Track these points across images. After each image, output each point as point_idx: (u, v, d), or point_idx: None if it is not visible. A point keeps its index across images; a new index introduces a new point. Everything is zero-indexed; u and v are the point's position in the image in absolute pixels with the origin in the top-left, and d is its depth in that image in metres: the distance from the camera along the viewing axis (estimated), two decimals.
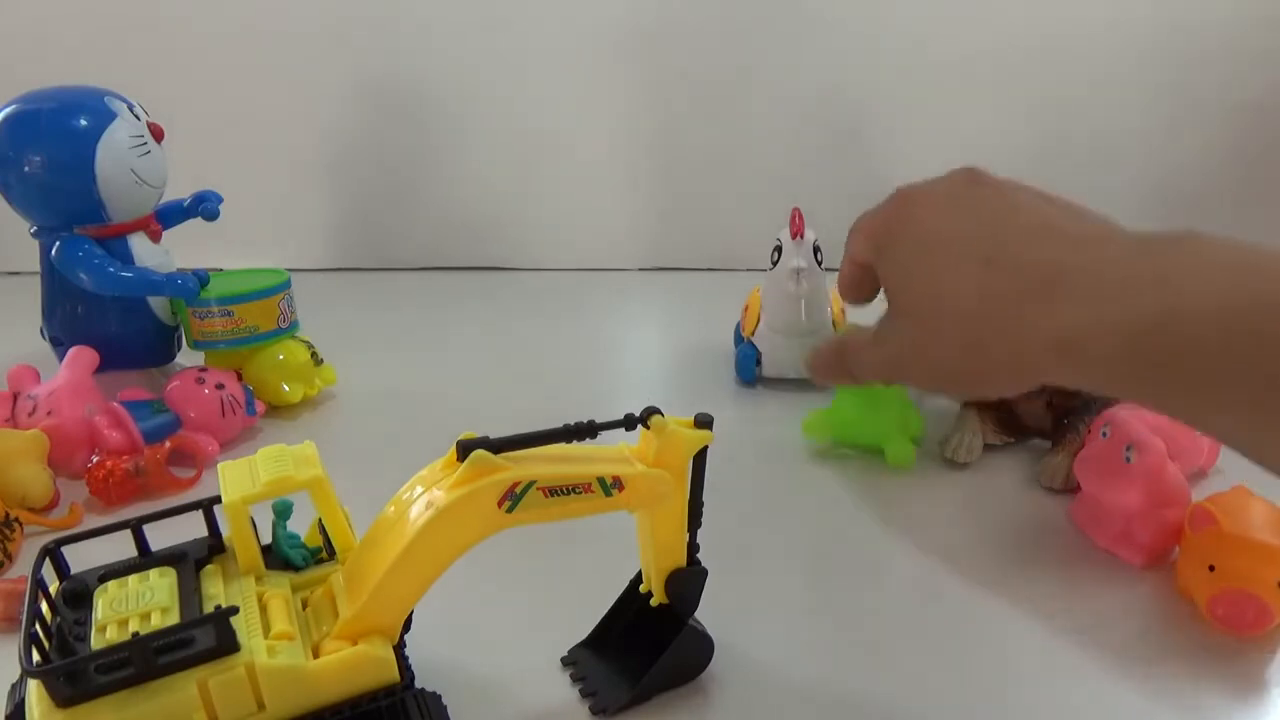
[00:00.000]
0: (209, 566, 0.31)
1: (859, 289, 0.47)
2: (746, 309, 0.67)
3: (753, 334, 0.65)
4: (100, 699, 0.25)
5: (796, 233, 0.60)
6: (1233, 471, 0.51)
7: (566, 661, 0.36)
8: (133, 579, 0.29)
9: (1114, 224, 0.35)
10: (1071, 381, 0.33)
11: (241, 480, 0.31)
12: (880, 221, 0.42)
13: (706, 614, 0.35)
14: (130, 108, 0.56)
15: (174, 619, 0.27)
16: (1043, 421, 0.54)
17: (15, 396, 0.54)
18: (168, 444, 0.51)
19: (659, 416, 0.31)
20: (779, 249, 0.61)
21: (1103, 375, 0.31)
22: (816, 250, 0.61)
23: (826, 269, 0.59)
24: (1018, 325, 0.33)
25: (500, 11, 0.86)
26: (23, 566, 0.44)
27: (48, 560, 0.30)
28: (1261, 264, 0.28)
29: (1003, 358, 0.34)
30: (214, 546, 0.32)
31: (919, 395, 0.59)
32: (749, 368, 0.64)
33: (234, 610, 0.27)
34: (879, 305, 0.44)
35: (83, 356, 0.54)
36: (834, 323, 0.64)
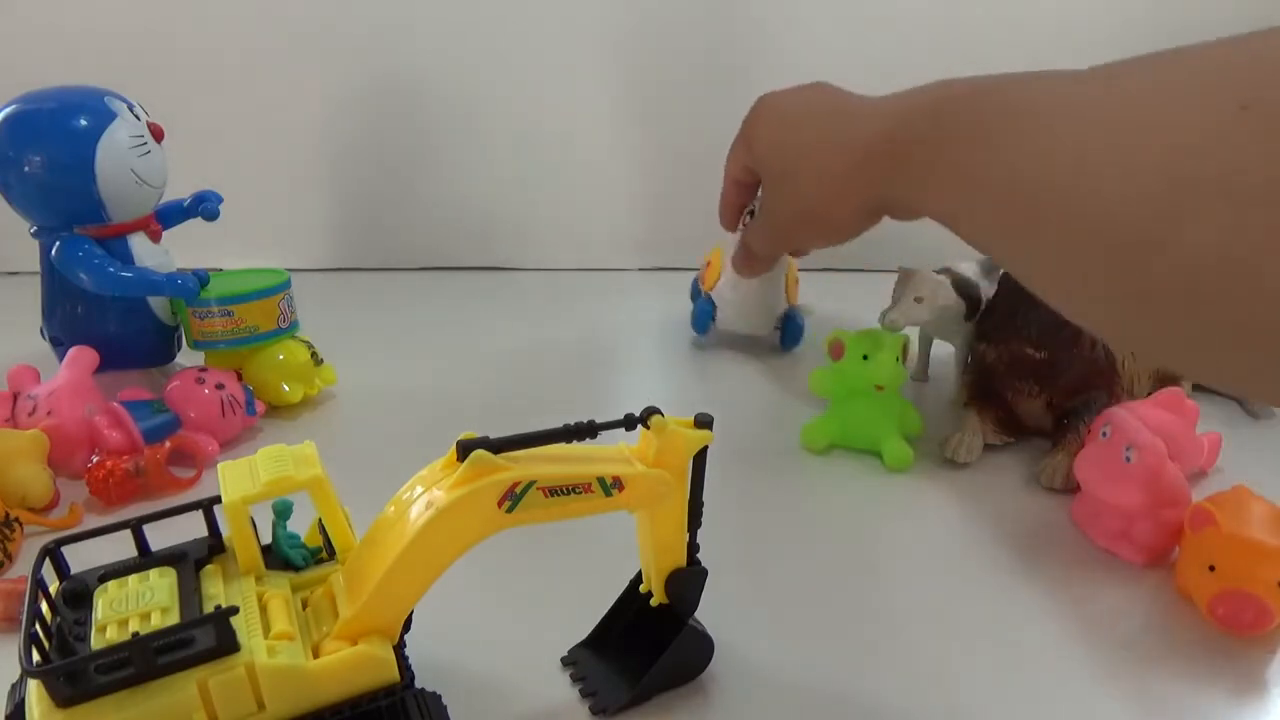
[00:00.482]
0: (209, 566, 0.31)
1: (733, 211, 0.59)
2: (708, 265, 0.72)
3: (712, 289, 0.71)
4: (100, 699, 0.25)
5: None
6: (1233, 471, 0.51)
7: (566, 661, 0.36)
8: (133, 579, 0.29)
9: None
10: (873, 187, 0.40)
11: (241, 480, 0.31)
12: (748, 124, 0.52)
13: (706, 614, 0.35)
14: (130, 108, 0.56)
15: (174, 619, 0.27)
16: (1043, 421, 0.54)
17: (15, 396, 0.54)
18: (168, 444, 0.51)
19: (659, 416, 0.31)
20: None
21: (880, 176, 0.39)
22: None
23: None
24: (833, 144, 0.43)
25: (500, 12, 0.86)
26: (23, 566, 0.44)
27: (48, 560, 0.30)
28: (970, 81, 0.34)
29: (830, 175, 0.43)
30: (214, 546, 0.32)
31: (914, 393, 0.59)
32: (704, 321, 0.71)
33: (234, 610, 0.27)
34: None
35: (83, 356, 0.54)
36: (787, 294, 0.69)
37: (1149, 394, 0.51)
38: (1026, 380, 0.53)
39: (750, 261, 0.57)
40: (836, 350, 0.54)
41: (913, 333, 0.58)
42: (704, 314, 0.71)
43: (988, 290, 0.59)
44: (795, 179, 0.46)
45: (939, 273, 0.57)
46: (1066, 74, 0.29)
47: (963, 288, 0.57)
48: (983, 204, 0.31)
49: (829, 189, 0.43)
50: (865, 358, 0.53)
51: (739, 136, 0.53)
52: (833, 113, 0.45)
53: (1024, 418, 0.55)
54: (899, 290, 0.57)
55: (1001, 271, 0.58)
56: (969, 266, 0.59)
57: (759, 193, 0.55)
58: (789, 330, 0.70)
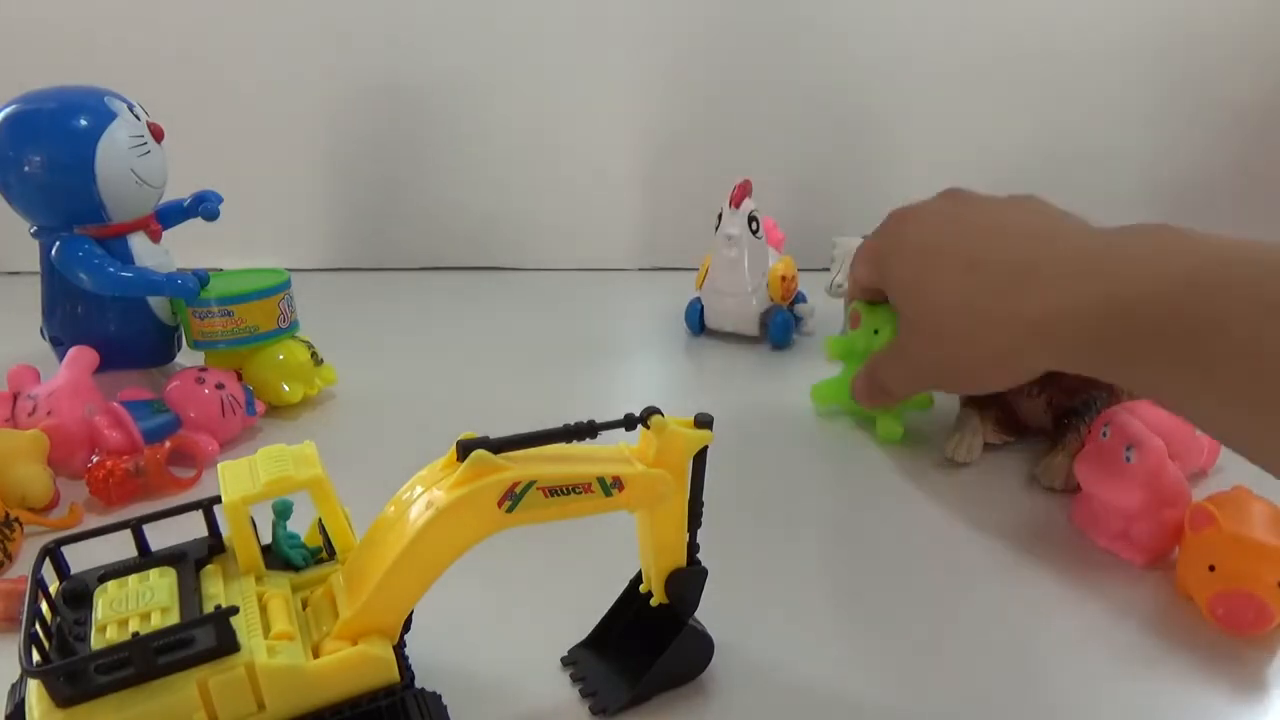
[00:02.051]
0: (209, 566, 0.31)
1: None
2: (703, 267, 0.74)
3: (700, 289, 0.73)
4: (100, 699, 0.25)
5: (732, 201, 0.67)
6: (1233, 471, 0.51)
7: (566, 661, 0.36)
8: (133, 579, 0.29)
9: (1083, 221, 0.38)
10: (1051, 363, 0.35)
11: (241, 480, 0.31)
12: (878, 244, 0.45)
13: (706, 614, 0.35)
14: (130, 108, 0.56)
15: (174, 619, 0.27)
16: (1043, 421, 0.54)
17: (15, 396, 0.54)
18: (168, 444, 0.51)
19: (659, 416, 0.31)
20: (721, 215, 0.68)
21: (1071, 353, 0.34)
22: (752, 220, 0.68)
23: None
24: (1001, 314, 0.37)
25: (500, 13, 0.86)
26: (23, 566, 0.44)
27: (48, 560, 0.30)
28: (1199, 248, 0.30)
29: (991, 345, 0.38)
30: (214, 546, 0.32)
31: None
32: (695, 319, 0.73)
33: (234, 610, 0.27)
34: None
35: (83, 356, 0.54)
36: (771, 288, 0.70)
37: None
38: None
39: (879, 396, 0.52)
40: (855, 320, 0.56)
41: None
42: (694, 312, 0.73)
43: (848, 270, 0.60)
44: (941, 337, 0.41)
45: None
46: None
47: None
48: (1221, 391, 0.30)
49: (984, 358, 0.39)
50: (876, 333, 0.55)
51: (867, 250, 0.48)
52: (988, 263, 0.38)
53: (1024, 417, 0.55)
54: (841, 258, 0.61)
55: None
56: None
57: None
58: (774, 329, 0.70)
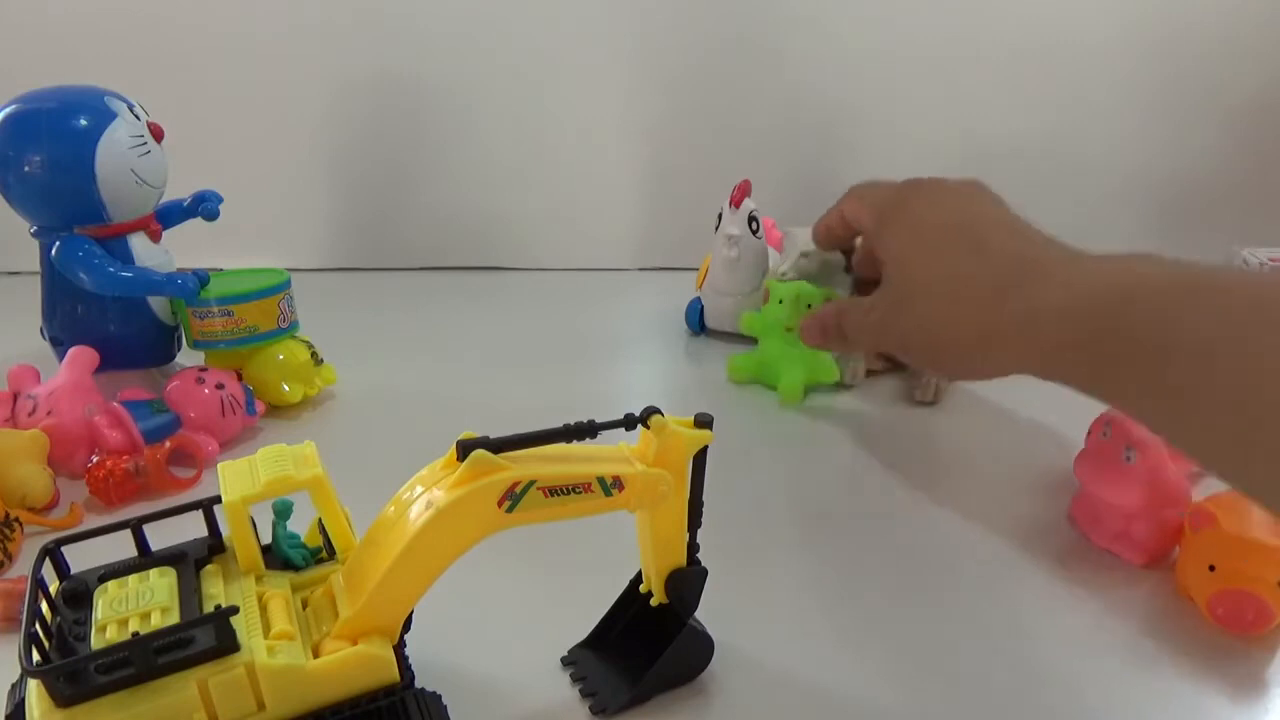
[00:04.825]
0: (209, 566, 0.31)
1: (833, 240, 0.55)
2: (703, 267, 0.75)
3: (700, 288, 0.74)
4: (100, 699, 0.25)
5: (733, 201, 0.68)
6: None
7: (566, 661, 0.36)
8: (133, 579, 0.29)
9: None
10: (1026, 359, 0.35)
11: (241, 480, 0.31)
12: (888, 199, 0.46)
13: (706, 614, 0.35)
14: (130, 108, 0.56)
15: (174, 619, 0.27)
16: None
17: (15, 396, 0.54)
18: (168, 444, 0.51)
19: (659, 416, 0.31)
20: (721, 215, 0.69)
21: (1052, 351, 0.34)
22: (752, 220, 0.68)
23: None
24: (991, 302, 0.38)
25: (500, 12, 0.86)
26: (23, 566, 0.44)
27: (48, 560, 0.30)
28: (1174, 267, 0.30)
29: (973, 330, 0.39)
30: (214, 546, 0.32)
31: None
32: (695, 319, 0.74)
33: (234, 610, 0.27)
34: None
35: (83, 356, 0.54)
36: (767, 287, 0.70)
37: None
38: None
39: (832, 340, 0.51)
40: (765, 296, 0.62)
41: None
42: (694, 311, 0.74)
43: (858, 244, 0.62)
44: (923, 311, 0.41)
45: None
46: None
47: None
48: (1201, 414, 0.29)
49: (959, 343, 0.39)
50: (780, 303, 0.61)
51: (871, 198, 0.48)
52: (990, 252, 0.39)
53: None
54: (790, 249, 0.65)
55: None
56: None
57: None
58: None
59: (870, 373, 0.64)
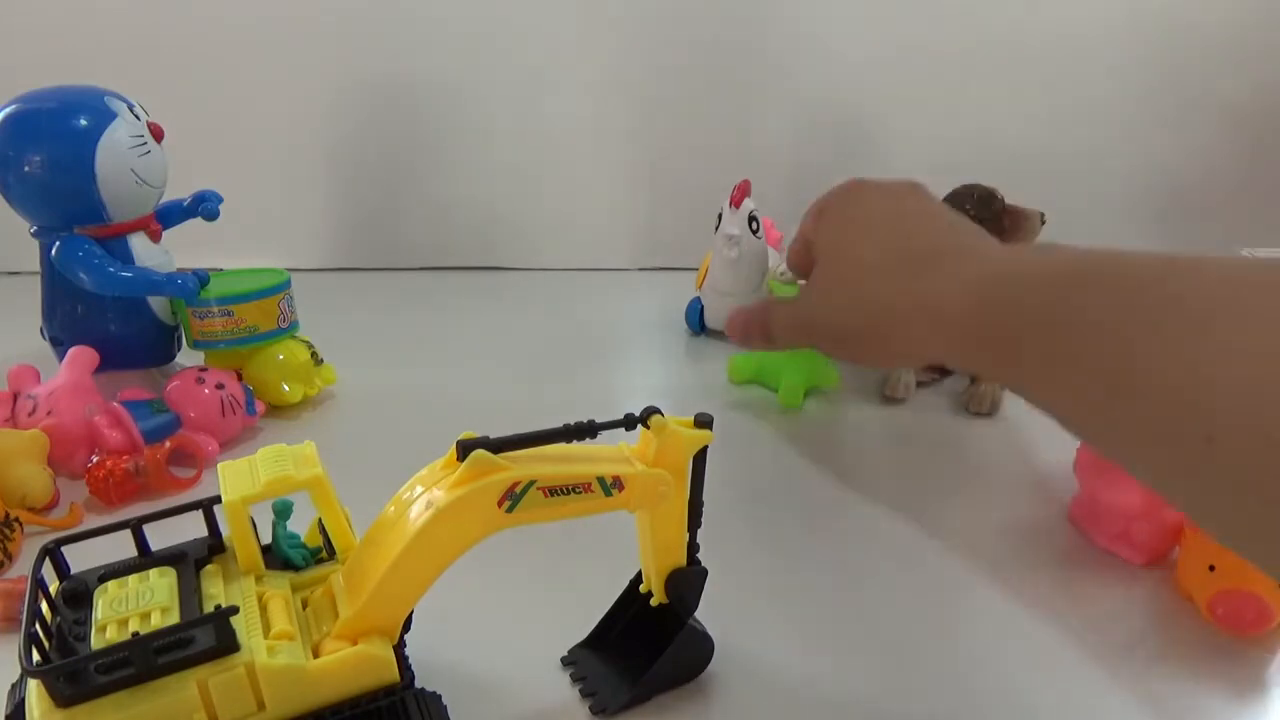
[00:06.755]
0: (209, 566, 0.31)
1: (803, 262, 0.52)
2: (703, 267, 0.75)
3: (700, 288, 0.74)
4: (100, 699, 0.25)
5: (733, 201, 0.68)
6: None
7: (566, 661, 0.36)
8: (133, 579, 0.29)
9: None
10: (931, 345, 0.36)
11: (241, 480, 0.31)
12: (827, 197, 0.49)
13: (706, 614, 0.35)
14: (130, 108, 0.56)
15: (174, 619, 0.27)
16: None
17: (15, 396, 0.54)
18: (168, 444, 0.51)
19: (659, 416, 0.31)
20: (721, 215, 0.69)
21: (957, 337, 0.35)
22: (752, 220, 0.68)
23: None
24: (901, 285, 0.39)
25: (500, 12, 0.86)
26: (23, 566, 0.44)
27: (48, 560, 0.30)
28: (1093, 254, 0.31)
29: (881, 317, 0.40)
30: (214, 546, 0.32)
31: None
32: (695, 319, 0.74)
33: (234, 610, 0.27)
34: None
35: (83, 356, 0.54)
36: (770, 287, 0.71)
37: None
38: None
39: (756, 337, 0.50)
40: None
41: None
42: (694, 311, 0.74)
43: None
44: (843, 299, 0.42)
45: None
46: (1209, 261, 0.27)
47: None
48: (1109, 402, 0.28)
49: (876, 329, 0.40)
50: None
51: (815, 205, 0.49)
52: (911, 243, 0.40)
53: None
54: (789, 247, 0.63)
55: None
56: None
57: None
58: None
59: (919, 384, 0.63)
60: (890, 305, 0.39)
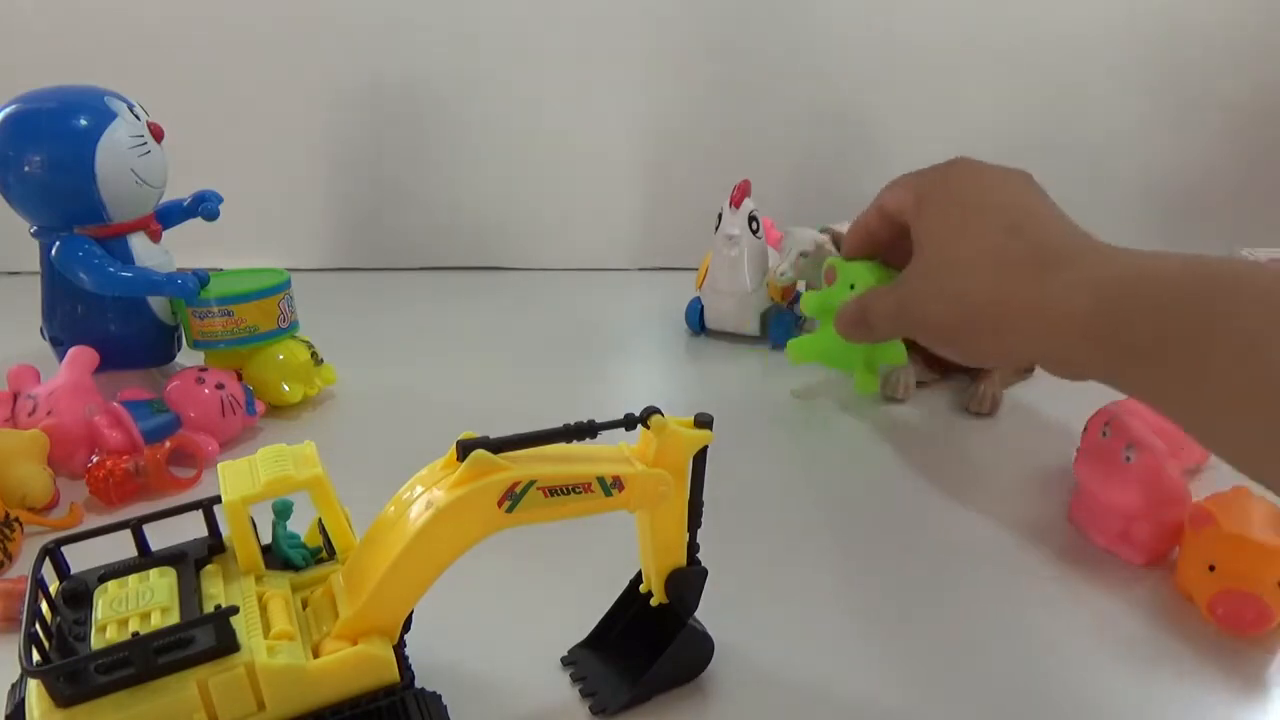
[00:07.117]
0: (209, 566, 0.31)
1: (873, 243, 0.52)
2: (703, 267, 0.75)
3: (700, 288, 0.74)
4: (100, 699, 0.25)
5: (733, 201, 0.68)
6: (1233, 471, 0.51)
7: (566, 661, 0.36)
8: (133, 579, 0.29)
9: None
10: (1044, 345, 0.35)
11: (241, 480, 0.31)
12: (930, 178, 0.46)
13: (706, 614, 0.35)
14: (130, 108, 0.56)
15: (174, 619, 0.27)
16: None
17: (15, 396, 0.54)
18: (168, 444, 0.51)
19: (659, 416, 0.31)
20: (721, 215, 0.69)
21: (1076, 339, 0.34)
22: (752, 220, 0.68)
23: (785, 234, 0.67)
24: (1013, 281, 0.38)
25: (500, 12, 0.86)
26: (23, 566, 0.44)
27: (48, 560, 0.30)
28: (1209, 260, 0.30)
29: (990, 307, 0.39)
30: (214, 546, 0.32)
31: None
32: (695, 319, 0.74)
33: (234, 610, 0.27)
34: None
35: (83, 356, 0.54)
36: (770, 287, 0.71)
37: None
38: None
39: (860, 329, 0.50)
40: (829, 276, 0.58)
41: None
42: (694, 311, 0.74)
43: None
44: (951, 292, 0.41)
45: (821, 231, 0.65)
46: None
47: (840, 243, 0.62)
48: (1251, 408, 0.29)
49: (983, 326, 0.39)
50: (852, 287, 0.55)
51: (908, 183, 0.47)
52: (1027, 237, 0.39)
53: (943, 358, 0.56)
54: (790, 247, 0.64)
55: None
56: (845, 225, 0.61)
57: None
58: (774, 329, 0.71)
59: (919, 384, 0.62)
60: (1003, 302, 0.38)
